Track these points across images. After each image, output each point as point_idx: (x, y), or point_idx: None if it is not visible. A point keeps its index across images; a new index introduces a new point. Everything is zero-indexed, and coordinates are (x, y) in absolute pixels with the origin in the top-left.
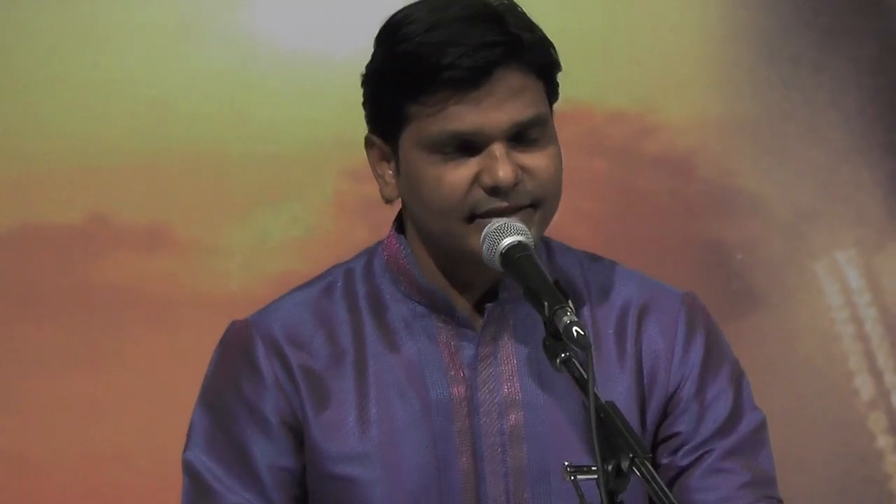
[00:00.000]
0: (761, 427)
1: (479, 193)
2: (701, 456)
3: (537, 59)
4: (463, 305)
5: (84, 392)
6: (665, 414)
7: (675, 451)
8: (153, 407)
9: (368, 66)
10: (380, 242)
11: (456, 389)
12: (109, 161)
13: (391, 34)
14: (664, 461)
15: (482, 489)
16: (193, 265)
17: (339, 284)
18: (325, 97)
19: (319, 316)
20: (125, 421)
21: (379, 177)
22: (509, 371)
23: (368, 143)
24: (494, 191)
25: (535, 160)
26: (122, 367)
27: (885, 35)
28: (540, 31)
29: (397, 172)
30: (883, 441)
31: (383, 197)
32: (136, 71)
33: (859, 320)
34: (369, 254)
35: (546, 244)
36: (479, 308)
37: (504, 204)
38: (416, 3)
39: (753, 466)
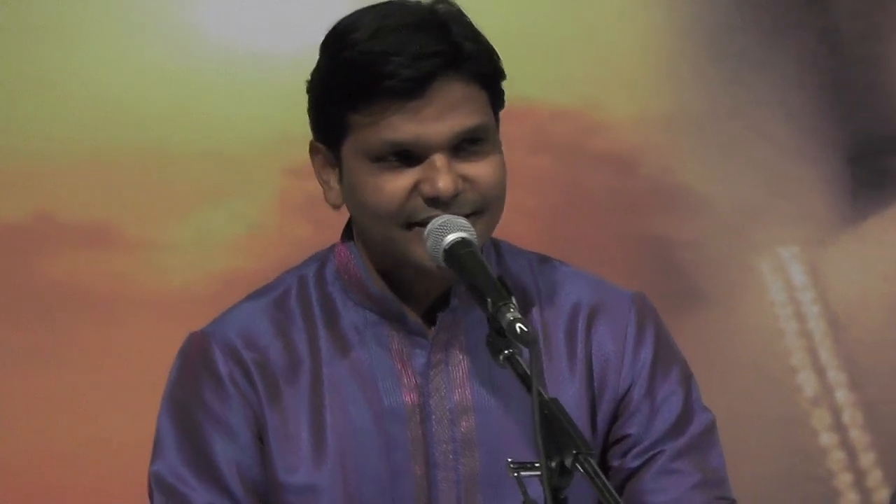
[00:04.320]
0: (711, 427)
1: (418, 202)
2: (651, 457)
3: (480, 68)
4: (414, 313)
5: (28, 389)
6: (615, 416)
7: (626, 453)
8: (98, 403)
9: (313, 74)
10: (330, 248)
11: (408, 397)
12: (54, 159)
13: (335, 41)
14: (615, 464)
15: (434, 496)
16: (138, 262)
17: (293, 293)
18: (269, 95)
19: (275, 325)
20: (70, 417)
21: (324, 183)
22: (461, 377)
23: (313, 150)
24: (434, 201)
25: (477, 170)
26: (67, 364)
27: (829, 33)
28: (484, 40)
29: (340, 179)
30: (826, 438)
31: (328, 203)
32: (80, 69)
33: (803, 317)
34: (320, 260)
35: (495, 246)
36: (430, 315)
37: (442, 213)
38: (362, 10)
39: (704, 467)
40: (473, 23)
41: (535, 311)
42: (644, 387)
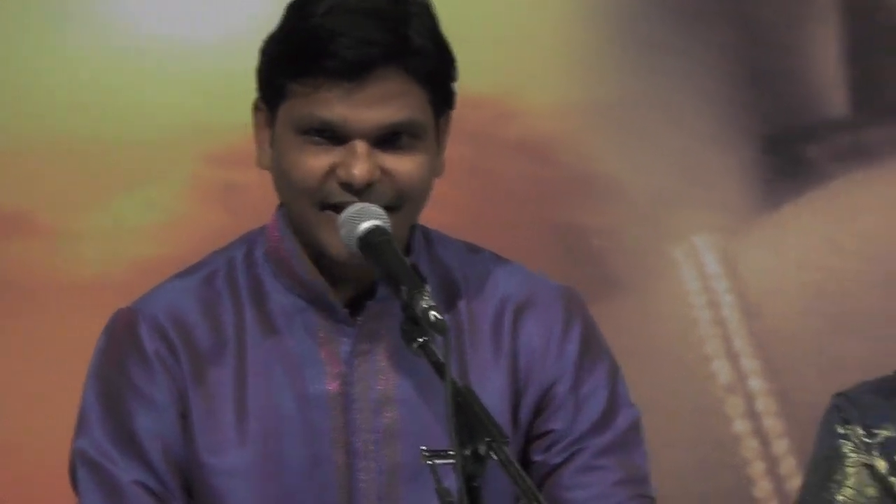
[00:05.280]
0: (636, 424)
1: (333, 185)
2: (574, 453)
3: (424, 66)
4: (342, 300)
5: None
6: (539, 410)
7: (549, 448)
8: (14, 390)
9: (270, 34)
10: (261, 230)
11: (332, 385)
12: None
13: (294, 9)
14: (537, 458)
15: (355, 485)
16: (54, 250)
17: (220, 274)
18: (184, 84)
19: (203, 305)
20: None
21: (259, 143)
22: (385, 367)
23: (255, 107)
24: (348, 186)
25: (398, 164)
26: None
27: (745, 21)
28: (442, 40)
29: (272, 143)
30: (740, 425)
31: (259, 165)
32: None
33: (717, 305)
34: (249, 242)
35: (425, 235)
36: (359, 303)
37: (355, 200)
38: None
39: (628, 464)
40: (438, 22)
41: (462, 302)
42: (569, 382)
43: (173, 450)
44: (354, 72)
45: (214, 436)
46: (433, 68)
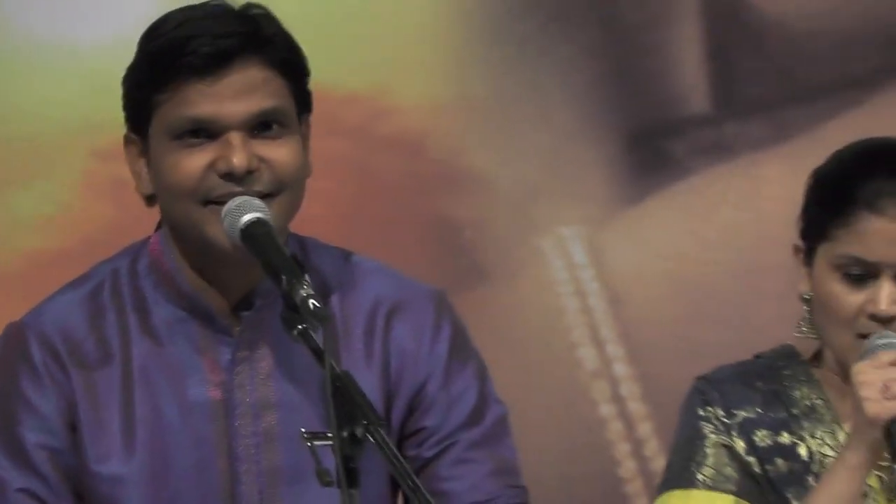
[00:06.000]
0: (504, 419)
1: (214, 179)
2: (447, 447)
3: (279, 54)
4: (222, 311)
5: None
6: (412, 409)
7: (422, 443)
8: None
9: (129, 65)
10: (144, 242)
11: (213, 392)
12: None
13: (146, 35)
14: (410, 454)
15: (237, 489)
16: None
17: (106, 286)
18: (73, 81)
19: (89, 319)
20: None
21: (135, 174)
22: (265, 374)
23: (126, 142)
24: (229, 176)
25: (272, 151)
26: None
27: (608, 20)
28: (290, 36)
29: (149, 165)
30: (605, 409)
31: (140, 192)
32: None
33: (583, 294)
34: (133, 254)
35: (301, 242)
36: (238, 313)
37: (238, 189)
38: (176, 9)
39: (497, 457)
40: (282, 23)
41: (336, 307)
42: (440, 381)
43: (62, 458)
44: (215, 64)
45: (103, 445)
46: (288, 57)
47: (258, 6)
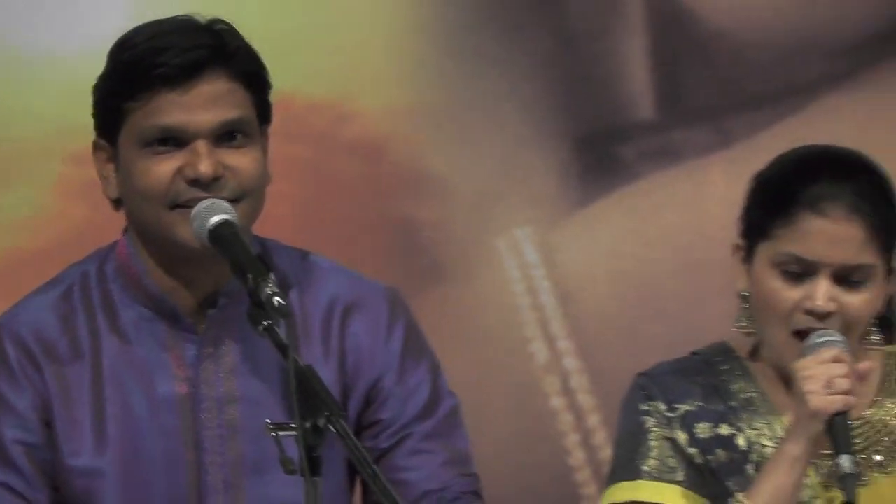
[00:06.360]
0: (456, 411)
1: (181, 185)
2: (402, 438)
3: (244, 66)
4: (187, 310)
5: None
6: (368, 403)
7: (378, 435)
8: None
9: (99, 76)
10: (111, 246)
11: (180, 387)
12: None
13: (117, 46)
14: (367, 444)
15: (204, 479)
16: None
17: (76, 288)
18: (50, 89)
19: (62, 320)
20: None
21: (104, 178)
22: (229, 369)
23: (95, 147)
24: (195, 183)
25: (237, 160)
26: None
27: (559, 31)
28: (254, 51)
29: (117, 170)
30: (556, 401)
31: (107, 196)
32: None
33: (535, 292)
34: (101, 257)
35: (262, 243)
36: (203, 311)
37: (204, 195)
38: (144, 23)
39: (451, 447)
40: (245, 39)
41: (296, 306)
42: (395, 376)
43: (38, 454)
44: (185, 77)
45: (76, 440)
46: (252, 70)
47: (223, 22)
